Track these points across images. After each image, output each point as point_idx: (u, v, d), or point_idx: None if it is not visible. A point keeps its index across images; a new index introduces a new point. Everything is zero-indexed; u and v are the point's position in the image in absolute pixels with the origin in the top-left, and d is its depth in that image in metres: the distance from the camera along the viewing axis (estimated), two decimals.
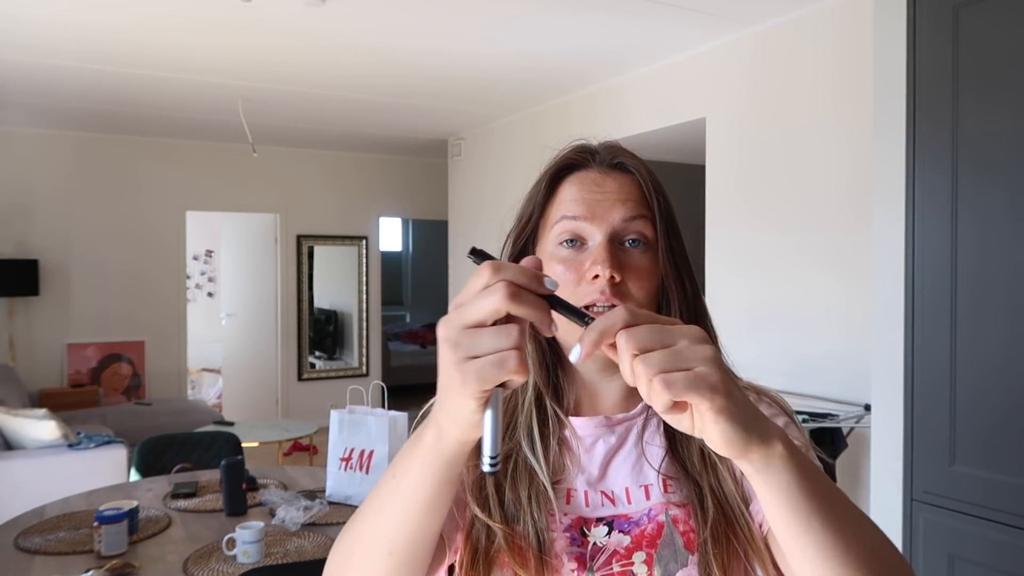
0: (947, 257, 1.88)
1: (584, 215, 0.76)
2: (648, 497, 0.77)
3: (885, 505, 2.05)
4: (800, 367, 3.18)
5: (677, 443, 0.79)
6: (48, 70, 4.08)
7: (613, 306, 0.73)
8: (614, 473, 0.79)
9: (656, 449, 0.79)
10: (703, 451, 0.77)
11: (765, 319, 3.35)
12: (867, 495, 2.52)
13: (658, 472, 0.77)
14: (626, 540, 0.75)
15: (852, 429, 2.84)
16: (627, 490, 0.78)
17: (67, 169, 5.90)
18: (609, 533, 0.75)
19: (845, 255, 3.00)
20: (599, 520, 0.76)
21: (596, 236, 0.75)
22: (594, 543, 0.75)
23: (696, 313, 0.80)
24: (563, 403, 0.81)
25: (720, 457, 0.74)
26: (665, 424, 0.78)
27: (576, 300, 0.74)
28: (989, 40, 1.80)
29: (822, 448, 2.72)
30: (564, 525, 0.76)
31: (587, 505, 0.77)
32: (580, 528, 0.76)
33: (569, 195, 0.78)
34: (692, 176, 3.86)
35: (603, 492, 0.77)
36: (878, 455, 2.09)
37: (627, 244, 0.76)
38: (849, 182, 2.98)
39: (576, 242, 0.76)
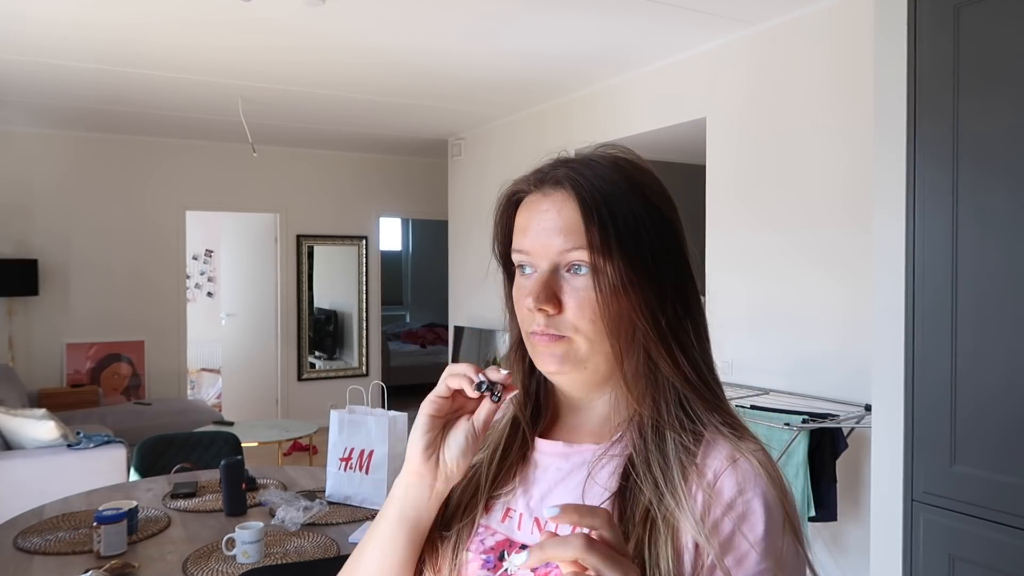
0: (948, 256, 1.87)
1: (527, 248, 0.73)
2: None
3: (885, 505, 2.05)
4: (800, 367, 3.18)
5: (627, 492, 0.69)
6: (48, 70, 4.08)
7: (551, 335, 0.71)
8: (553, 502, 0.74)
9: (600, 490, 0.71)
10: (648, 511, 0.67)
11: (765, 319, 3.35)
12: (867, 495, 2.52)
13: None
14: (540, 574, 0.69)
15: (852, 429, 2.84)
16: (557, 524, 0.73)
17: (67, 169, 5.90)
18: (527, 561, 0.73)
19: (845, 255, 3.00)
20: (523, 547, 0.71)
21: (541, 266, 0.72)
22: (506, 568, 0.70)
23: (665, 349, 0.71)
24: (538, 423, 0.80)
25: (667, 526, 0.66)
26: (624, 466, 0.71)
27: (526, 327, 0.74)
28: (990, 38, 1.80)
29: (822, 449, 2.72)
30: (486, 547, 0.74)
31: (519, 528, 0.75)
32: (501, 552, 0.73)
33: (519, 224, 0.75)
34: (692, 176, 3.86)
35: (536, 519, 0.74)
36: (878, 455, 2.09)
37: (573, 271, 0.71)
38: (849, 182, 2.98)
39: (532, 269, 0.73)
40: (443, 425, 0.73)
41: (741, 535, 0.65)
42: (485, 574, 0.73)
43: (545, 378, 0.80)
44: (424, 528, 0.74)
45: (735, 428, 0.71)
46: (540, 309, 0.70)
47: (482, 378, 0.71)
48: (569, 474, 0.75)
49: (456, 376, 0.71)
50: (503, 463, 0.78)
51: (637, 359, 0.71)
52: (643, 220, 0.71)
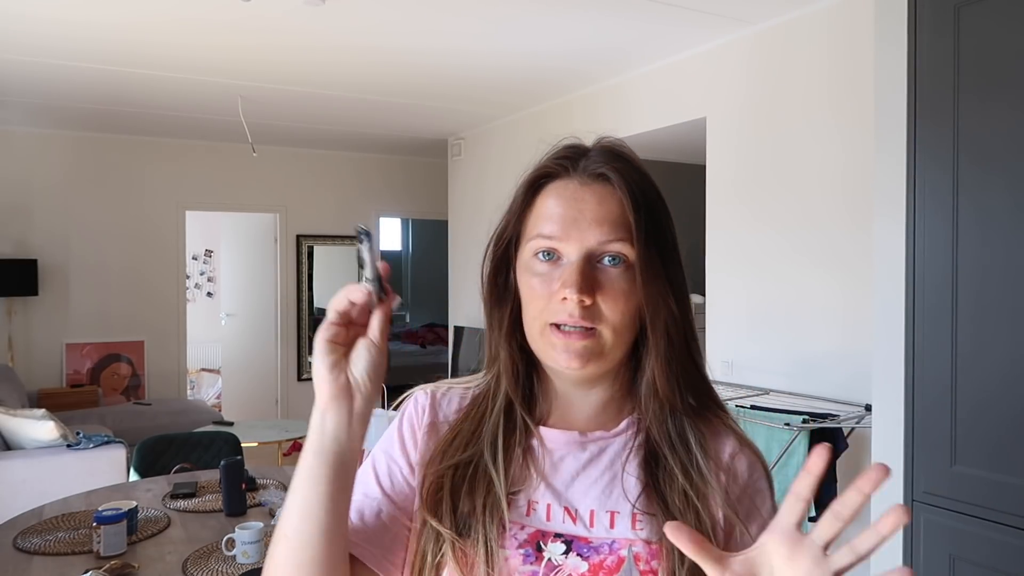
0: (948, 256, 1.87)
1: (558, 235, 0.72)
2: (613, 526, 0.74)
3: (886, 506, 2.04)
4: (800, 367, 3.18)
5: (659, 479, 0.74)
6: (48, 70, 4.08)
7: (584, 327, 0.71)
8: (580, 492, 0.75)
9: (633, 481, 0.75)
10: (687, 492, 0.73)
11: (765, 319, 3.35)
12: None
13: (633, 506, 0.74)
14: (583, 567, 0.72)
15: (853, 429, 2.83)
16: (592, 512, 0.74)
17: (66, 169, 5.90)
18: (566, 553, 0.73)
19: (845, 255, 3.00)
20: (557, 536, 0.74)
21: (571, 254, 0.72)
22: (549, 559, 0.73)
23: (683, 337, 0.75)
24: (534, 412, 0.79)
25: (703, 502, 0.73)
26: (645, 454, 0.76)
27: (547, 317, 0.72)
28: (990, 38, 1.80)
29: None
30: (520, 540, 0.74)
31: (548, 519, 0.75)
32: (536, 543, 0.73)
33: (545, 210, 0.74)
34: (692, 176, 3.86)
35: (566, 508, 0.75)
36: (879, 456, 2.09)
37: (605, 262, 0.72)
38: (849, 181, 2.98)
39: (552, 255, 0.73)
40: (343, 351, 0.69)
41: (757, 508, 0.76)
42: (530, 567, 0.73)
43: (538, 368, 0.79)
44: (348, 458, 0.69)
45: (722, 409, 0.81)
46: (580, 300, 0.70)
47: (366, 285, 0.68)
48: (590, 462, 0.76)
49: (341, 299, 0.68)
50: (508, 457, 0.76)
51: (661, 348, 0.75)
52: (666, 215, 0.76)
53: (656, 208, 0.74)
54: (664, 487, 0.74)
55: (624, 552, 0.72)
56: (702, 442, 0.76)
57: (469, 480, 0.75)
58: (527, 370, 0.79)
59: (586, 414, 0.78)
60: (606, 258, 0.72)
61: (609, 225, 0.71)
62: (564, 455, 0.77)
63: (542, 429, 0.78)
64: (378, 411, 2.43)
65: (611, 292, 0.71)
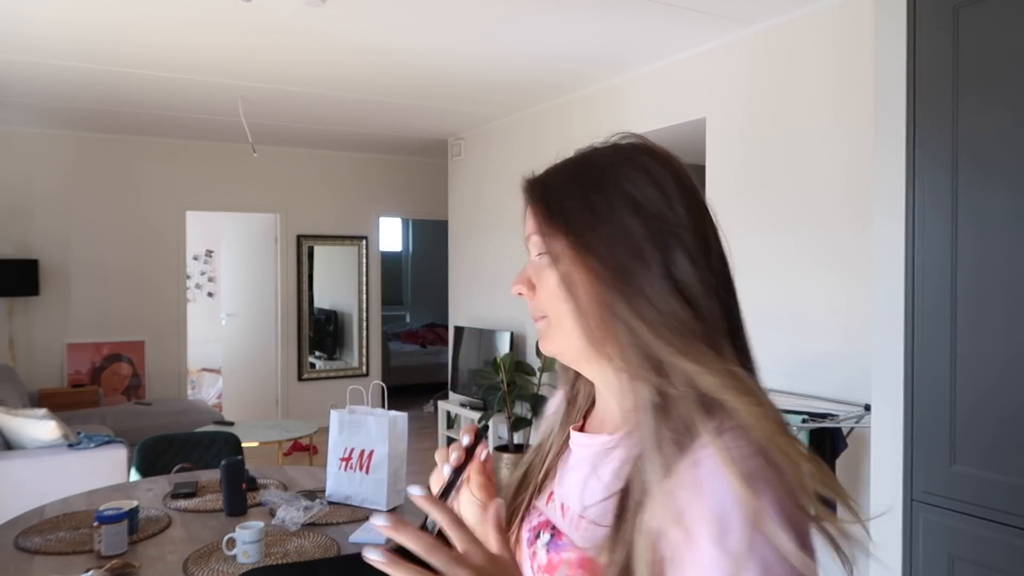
0: (947, 256, 1.88)
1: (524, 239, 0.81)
2: (577, 529, 0.75)
3: (885, 505, 2.05)
4: (800, 367, 3.18)
5: (629, 496, 0.65)
6: (48, 70, 4.08)
7: (537, 317, 0.78)
8: (575, 491, 0.77)
9: (600, 486, 0.71)
10: (640, 502, 0.63)
11: (765, 319, 3.35)
12: (867, 495, 2.52)
13: (583, 508, 0.71)
14: (544, 560, 0.76)
15: (852, 429, 2.84)
16: (570, 510, 0.78)
17: (67, 169, 5.91)
18: (548, 543, 0.77)
19: (845, 255, 3.00)
20: (554, 528, 0.78)
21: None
22: (536, 548, 0.79)
23: (632, 311, 0.68)
24: (573, 412, 0.86)
25: (645, 512, 0.63)
26: (633, 468, 0.66)
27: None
28: (989, 39, 1.80)
29: (822, 448, 2.72)
30: (532, 526, 0.80)
31: (558, 511, 0.80)
32: (539, 531, 0.79)
33: None
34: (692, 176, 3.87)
35: (562, 503, 0.79)
36: (878, 455, 2.09)
37: (539, 255, 0.77)
38: (849, 182, 2.98)
39: None
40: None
41: (685, 545, 0.60)
42: (527, 550, 0.80)
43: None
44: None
45: (722, 393, 0.64)
46: (518, 293, 0.78)
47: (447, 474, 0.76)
48: (581, 462, 0.79)
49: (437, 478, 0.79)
50: (552, 449, 0.85)
51: (618, 332, 0.69)
52: (601, 192, 0.72)
53: (571, 190, 0.73)
54: (629, 503, 0.65)
55: (567, 554, 0.73)
56: (660, 441, 0.64)
57: (541, 463, 0.85)
58: (576, 376, 0.85)
59: (608, 418, 0.79)
60: (535, 251, 0.76)
61: (529, 222, 0.77)
62: (579, 456, 0.81)
63: (572, 430, 0.83)
64: (378, 411, 2.44)
65: (540, 282, 0.76)
